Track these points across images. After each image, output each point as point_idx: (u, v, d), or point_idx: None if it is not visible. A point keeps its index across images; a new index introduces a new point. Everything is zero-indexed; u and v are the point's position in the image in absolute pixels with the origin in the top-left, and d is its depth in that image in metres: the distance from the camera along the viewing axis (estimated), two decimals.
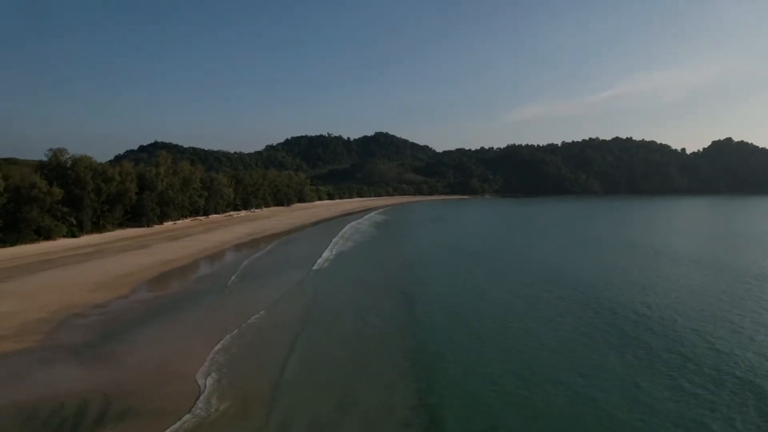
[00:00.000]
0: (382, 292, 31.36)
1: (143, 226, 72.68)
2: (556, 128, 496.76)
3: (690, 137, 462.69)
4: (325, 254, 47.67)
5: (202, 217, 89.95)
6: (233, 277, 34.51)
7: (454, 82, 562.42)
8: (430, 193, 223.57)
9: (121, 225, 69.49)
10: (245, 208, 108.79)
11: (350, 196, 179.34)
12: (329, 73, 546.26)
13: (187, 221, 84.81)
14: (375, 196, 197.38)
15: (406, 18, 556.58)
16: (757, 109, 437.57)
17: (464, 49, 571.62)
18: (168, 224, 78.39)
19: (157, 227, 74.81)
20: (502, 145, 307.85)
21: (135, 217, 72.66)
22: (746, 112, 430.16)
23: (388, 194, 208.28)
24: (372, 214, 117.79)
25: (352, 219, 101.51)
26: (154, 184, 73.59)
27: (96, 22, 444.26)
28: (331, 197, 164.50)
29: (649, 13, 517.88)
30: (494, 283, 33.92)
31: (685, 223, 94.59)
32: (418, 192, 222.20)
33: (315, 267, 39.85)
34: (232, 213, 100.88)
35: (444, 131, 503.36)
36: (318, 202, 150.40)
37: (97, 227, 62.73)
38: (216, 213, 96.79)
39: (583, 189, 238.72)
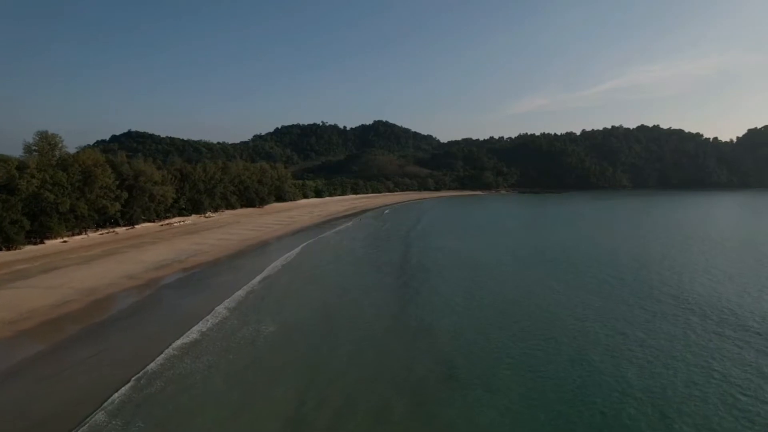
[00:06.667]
0: None
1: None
2: (562, 120, 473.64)
3: (705, 126, 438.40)
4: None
5: (122, 229, 62.84)
6: None
7: (453, 71, 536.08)
8: (437, 189, 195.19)
9: None
10: (196, 212, 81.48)
11: (343, 193, 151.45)
12: (322, 56, 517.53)
13: (95, 235, 57.81)
14: (373, 192, 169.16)
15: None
16: None
17: (463, 37, 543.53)
18: (54, 243, 51.67)
19: (28, 249, 47.97)
20: (507, 137, 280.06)
21: None
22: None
23: (388, 190, 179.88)
24: (366, 219, 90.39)
25: (337, 226, 74.40)
26: (14, 183, 46.39)
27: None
28: (319, 194, 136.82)
29: (650, 4, 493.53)
30: None
31: None
32: (423, 187, 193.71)
33: None
34: (173, 220, 73.61)
35: (444, 122, 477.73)
36: (302, 201, 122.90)
37: None
38: (149, 221, 69.68)
39: (609, 183, 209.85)
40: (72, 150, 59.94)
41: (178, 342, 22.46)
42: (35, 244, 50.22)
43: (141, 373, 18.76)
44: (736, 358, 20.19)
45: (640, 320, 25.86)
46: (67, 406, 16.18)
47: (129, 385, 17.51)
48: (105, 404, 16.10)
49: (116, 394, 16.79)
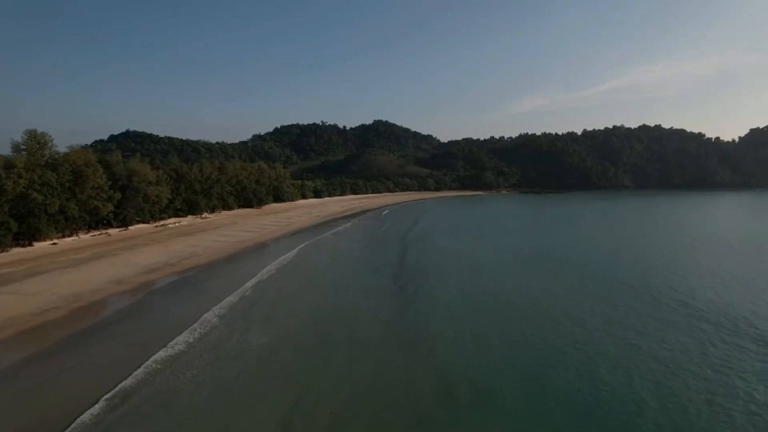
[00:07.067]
0: None
1: None
2: (562, 120, 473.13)
3: (705, 127, 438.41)
4: None
5: (115, 230, 61.43)
6: None
7: (453, 71, 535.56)
8: (438, 189, 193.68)
9: None
10: (192, 212, 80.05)
11: (342, 193, 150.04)
12: (322, 56, 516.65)
13: (86, 237, 56.46)
14: (373, 192, 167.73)
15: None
16: None
17: (463, 37, 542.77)
18: (43, 245, 50.39)
19: (16, 251, 46.68)
20: (508, 137, 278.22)
21: None
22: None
23: (388, 190, 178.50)
24: (366, 220, 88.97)
25: (336, 227, 72.98)
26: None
27: None
28: (318, 195, 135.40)
29: (650, 4, 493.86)
30: None
31: None
32: (424, 187, 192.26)
33: None
34: (168, 222, 72.18)
35: (444, 122, 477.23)
36: (300, 202, 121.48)
37: None
38: (144, 222, 68.28)
39: (611, 183, 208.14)
40: (63, 149, 58.64)
41: (161, 354, 21.09)
42: (23, 246, 48.85)
43: (117, 389, 17.37)
44: (760, 373, 18.78)
45: (650, 329, 24.48)
46: (31, 428, 14.79)
47: (100, 404, 16.11)
48: (73, 425, 14.73)
49: (87, 414, 15.42)
